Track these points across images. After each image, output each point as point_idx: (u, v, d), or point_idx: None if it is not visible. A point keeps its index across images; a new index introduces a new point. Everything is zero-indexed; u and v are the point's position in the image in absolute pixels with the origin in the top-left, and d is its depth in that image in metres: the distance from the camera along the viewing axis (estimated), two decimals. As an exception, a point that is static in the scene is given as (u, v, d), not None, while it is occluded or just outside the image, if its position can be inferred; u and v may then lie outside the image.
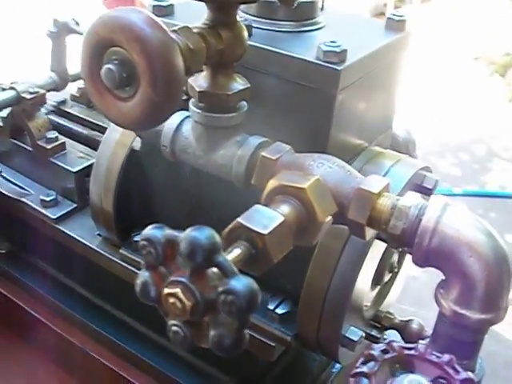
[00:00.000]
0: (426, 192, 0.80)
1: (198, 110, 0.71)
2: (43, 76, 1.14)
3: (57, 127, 1.13)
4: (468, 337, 0.62)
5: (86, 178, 1.00)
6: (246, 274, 0.47)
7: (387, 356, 0.54)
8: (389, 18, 0.82)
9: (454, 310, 0.60)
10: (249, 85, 0.70)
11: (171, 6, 0.82)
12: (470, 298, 0.59)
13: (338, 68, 0.69)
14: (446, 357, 0.53)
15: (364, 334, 0.80)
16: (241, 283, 0.45)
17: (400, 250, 0.84)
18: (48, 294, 1.11)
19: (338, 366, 1.00)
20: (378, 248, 0.77)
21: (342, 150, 0.74)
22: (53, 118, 1.17)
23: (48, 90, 1.12)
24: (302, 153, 0.67)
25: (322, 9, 0.84)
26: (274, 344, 0.81)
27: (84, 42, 0.59)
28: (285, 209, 0.59)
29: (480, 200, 2.91)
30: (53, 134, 1.07)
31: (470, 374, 0.52)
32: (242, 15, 0.78)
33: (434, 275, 0.64)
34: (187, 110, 0.73)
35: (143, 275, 0.49)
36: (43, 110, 1.10)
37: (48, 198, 1.04)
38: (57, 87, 1.16)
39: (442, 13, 5.26)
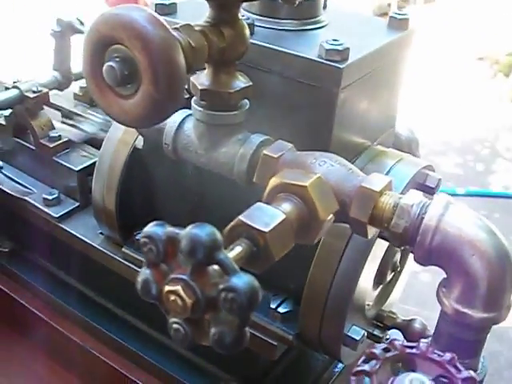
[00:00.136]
0: (429, 191, 0.79)
1: (200, 108, 0.70)
2: (46, 75, 1.15)
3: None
4: (470, 336, 0.61)
5: (88, 176, 1.00)
6: (247, 271, 0.47)
7: (389, 354, 0.53)
8: (391, 17, 0.82)
9: (456, 309, 0.60)
10: (251, 83, 0.70)
11: (174, 4, 0.82)
12: (472, 296, 0.59)
13: (341, 66, 0.69)
14: (448, 355, 0.52)
15: (366, 334, 0.80)
16: (242, 281, 0.45)
17: (402, 248, 0.84)
18: (50, 293, 1.11)
19: (340, 365, 0.99)
20: (380, 247, 0.76)
21: (344, 148, 0.74)
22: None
23: (51, 89, 1.12)
24: (304, 151, 0.67)
25: (324, 7, 0.83)
26: (276, 343, 0.81)
27: (86, 39, 0.59)
28: (286, 207, 0.59)
29: (483, 200, 2.90)
30: (56, 133, 1.07)
31: (472, 373, 0.52)
32: (244, 13, 0.78)
33: (437, 275, 0.64)
34: (190, 108, 0.73)
35: (144, 273, 0.49)
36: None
37: (50, 197, 1.04)
38: (60, 86, 1.16)
39: (445, 13, 5.25)
